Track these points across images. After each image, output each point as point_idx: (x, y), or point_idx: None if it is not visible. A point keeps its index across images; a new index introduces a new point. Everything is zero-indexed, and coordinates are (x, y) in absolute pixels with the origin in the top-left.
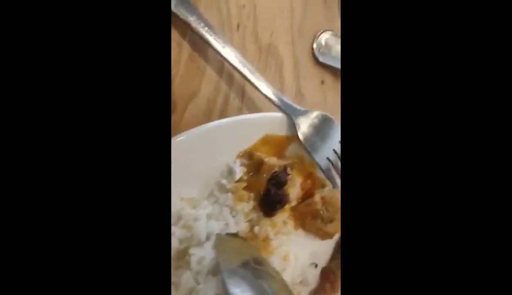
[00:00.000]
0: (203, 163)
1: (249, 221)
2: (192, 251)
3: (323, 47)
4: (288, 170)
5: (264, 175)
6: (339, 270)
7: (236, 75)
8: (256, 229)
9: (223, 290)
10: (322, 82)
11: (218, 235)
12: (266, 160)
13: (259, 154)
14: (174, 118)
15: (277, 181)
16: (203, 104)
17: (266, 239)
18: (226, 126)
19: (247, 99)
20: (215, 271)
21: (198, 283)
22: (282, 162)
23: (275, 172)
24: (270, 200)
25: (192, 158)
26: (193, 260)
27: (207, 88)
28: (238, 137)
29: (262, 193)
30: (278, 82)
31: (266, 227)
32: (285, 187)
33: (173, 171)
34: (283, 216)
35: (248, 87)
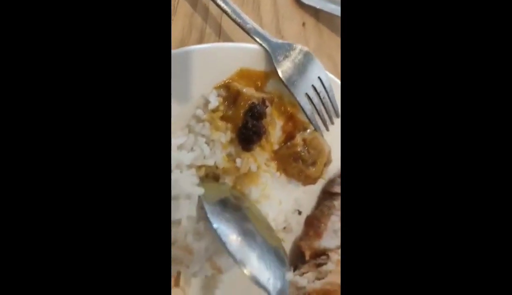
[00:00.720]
0: (177, 93)
1: (228, 154)
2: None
3: None
4: (267, 102)
5: (241, 106)
6: (323, 217)
7: (212, 8)
8: (238, 161)
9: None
10: (303, 24)
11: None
12: (243, 90)
13: (236, 84)
14: None
15: (255, 112)
16: (176, 41)
17: (249, 172)
18: (201, 53)
19: (224, 35)
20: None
21: None
22: (260, 94)
23: (253, 103)
24: (247, 132)
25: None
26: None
27: (180, 23)
28: (213, 68)
29: (239, 125)
30: (256, 21)
31: (247, 159)
32: (263, 120)
33: None
34: (264, 155)
35: (224, 22)
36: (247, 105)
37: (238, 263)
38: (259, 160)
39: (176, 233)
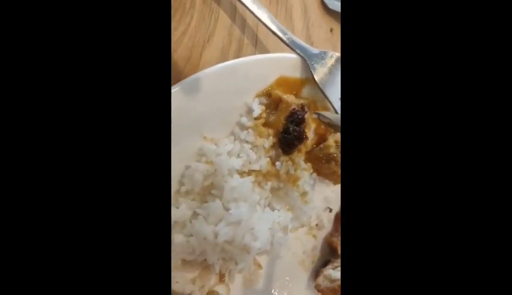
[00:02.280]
0: (222, 103)
1: (270, 157)
2: (224, 180)
3: None
4: (306, 108)
5: (283, 113)
6: None
7: (249, 20)
8: (277, 164)
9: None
10: (331, 30)
11: None
12: (284, 97)
13: (277, 92)
14: (189, 65)
15: (296, 118)
16: (217, 51)
17: (288, 173)
18: (242, 66)
19: (260, 45)
20: (244, 199)
21: (227, 209)
22: (299, 101)
23: (294, 109)
24: (289, 136)
25: (210, 97)
26: (226, 188)
27: (221, 34)
28: (254, 78)
29: (281, 130)
30: (288, 30)
31: (286, 162)
32: (303, 125)
33: (193, 110)
34: (301, 157)
35: (261, 33)
36: (288, 111)
37: None
38: (297, 161)
39: (235, 232)
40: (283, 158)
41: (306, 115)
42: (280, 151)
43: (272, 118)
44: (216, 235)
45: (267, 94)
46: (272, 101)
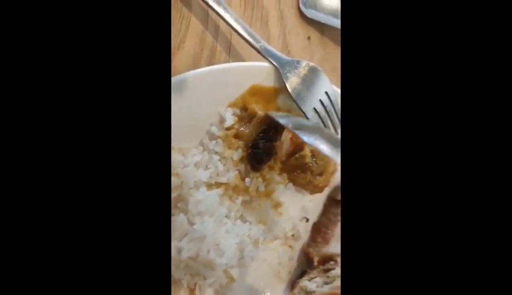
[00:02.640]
0: (192, 111)
1: (239, 170)
2: (190, 193)
3: (309, 0)
4: (280, 128)
5: (256, 128)
6: (330, 224)
7: (222, 27)
8: (247, 181)
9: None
10: (309, 38)
11: None
12: (259, 112)
13: (253, 106)
14: None
15: (267, 135)
16: (189, 58)
17: (258, 190)
18: (214, 73)
19: (234, 53)
20: (211, 213)
21: (192, 224)
22: (274, 120)
23: (267, 126)
24: (257, 151)
25: (180, 106)
26: (191, 202)
27: (192, 41)
28: (226, 87)
29: (250, 144)
30: (264, 37)
31: (256, 179)
32: (273, 145)
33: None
34: (273, 171)
35: (235, 40)
36: (261, 127)
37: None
38: (268, 177)
39: (199, 248)
40: (253, 174)
41: (278, 134)
42: (249, 166)
43: (244, 131)
44: (179, 251)
45: (243, 107)
46: (247, 115)
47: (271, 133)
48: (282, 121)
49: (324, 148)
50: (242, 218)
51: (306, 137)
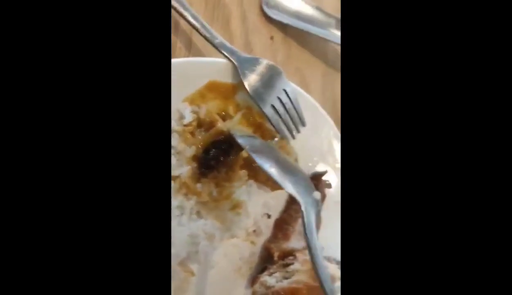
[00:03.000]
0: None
1: (191, 169)
2: None
3: (271, 0)
4: (234, 144)
5: (212, 136)
6: (291, 220)
7: (182, 23)
8: (198, 186)
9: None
10: (272, 38)
11: None
12: (219, 124)
13: (216, 116)
14: None
15: (220, 147)
16: None
17: (211, 195)
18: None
19: (194, 50)
20: None
21: None
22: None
23: (223, 138)
24: (207, 157)
25: None
26: None
27: None
28: (183, 82)
29: (201, 150)
30: (225, 35)
31: (208, 184)
32: (226, 156)
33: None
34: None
35: (195, 38)
36: (216, 137)
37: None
38: (222, 184)
39: None
40: (204, 180)
41: (232, 151)
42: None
43: (201, 135)
44: None
45: (207, 112)
46: (208, 122)
47: (222, 147)
48: (240, 141)
49: (274, 173)
50: (198, 214)
51: (260, 161)
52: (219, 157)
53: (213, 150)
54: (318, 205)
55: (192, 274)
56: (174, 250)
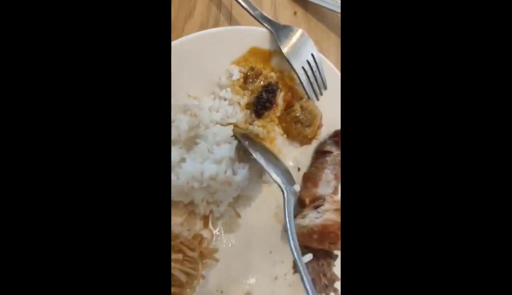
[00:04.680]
0: (203, 66)
1: (245, 115)
2: (207, 128)
3: None
4: (279, 84)
5: (260, 83)
6: (318, 171)
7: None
8: (250, 127)
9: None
10: (295, 13)
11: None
12: (264, 71)
13: (259, 67)
14: (173, 37)
15: (270, 88)
16: (197, 25)
17: (258, 136)
18: (219, 34)
19: (234, 22)
20: (226, 140)
21: (211, 152)
22: (275, 78)
23: (270, 82)
24: (262, 99)
25: (192, 60)
26: (209, 133)
27: (200, 10)
28: (230, 46)
29: (255, 95)
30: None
31: (258, 127)
32: (275, 95)
33: (179, 72)
34: (272, 124)
35: (235, 10)
36: (265, 82)
37: (267, 172)
38: (269, 126)
39: (218, 169)
40: (256, 121)
41: (279, 90)
42: (253, 115)
43: (250, 86)
44: (202, 173)
45: (251, 68)
46: (253, 74)
47: (272, 88)
48: (254, 155)
49: (263, 163)
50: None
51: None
52: (271, 98)
53: (265, 92)
54: (296, 195)
55: (239, 215)
56: (239, 178)
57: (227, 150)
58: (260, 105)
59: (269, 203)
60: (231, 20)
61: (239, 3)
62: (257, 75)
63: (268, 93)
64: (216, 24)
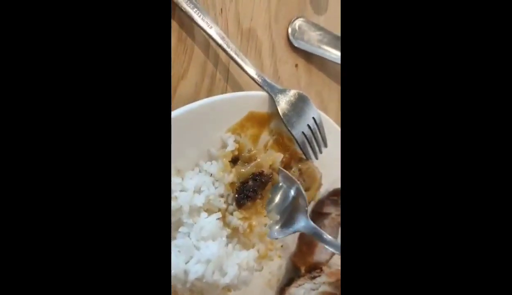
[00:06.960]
0: (196, 138)
1: (226, 200)
2: (193, 220)
3: (297, 32)
4: (272, 175)
5: (252, 169)
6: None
7: (222, 56)
8: (229, 218)
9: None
10: (296, 65)
11: None
12: (259, 159)
13: (255, 152)
14: None
15: (259, 178)
16: (191, 87)
17: (235, 229)
18: (215, 104)
19: (231, 80)
20: (213, 237)
21: (197, 248)
22: (270, 170)
23: (262, 171)
24: (246, 188)
25: (185, 133)
26: (195, 228)
27: (195, 70)
28: (226, 114)
29: (241, 180)
30: (257, 65)
31: (238, 218)
32: (263, 188)
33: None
34: (258, 216)
35: (232, 69)
36: (257, 171)
37: None
38: (254, 219)
39: (205, 270)
40: (236, 213)
41: (270, 183)
42: (234, 203)
43: (240, 168)
44: (186, 273)
45: (248, 156)
46: (248, 157)
47: (262, 180)
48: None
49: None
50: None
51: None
52: (256, 188)
53: (252, 182)
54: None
55: (229, 290)
56: (227, 280)
57: (216, 248)
58: (244, 194)
59: (262, 271)
60: (228, 79)
61: (238, 65)
62: (250, 159)
63: (256, 182)
64: (211, 84)
